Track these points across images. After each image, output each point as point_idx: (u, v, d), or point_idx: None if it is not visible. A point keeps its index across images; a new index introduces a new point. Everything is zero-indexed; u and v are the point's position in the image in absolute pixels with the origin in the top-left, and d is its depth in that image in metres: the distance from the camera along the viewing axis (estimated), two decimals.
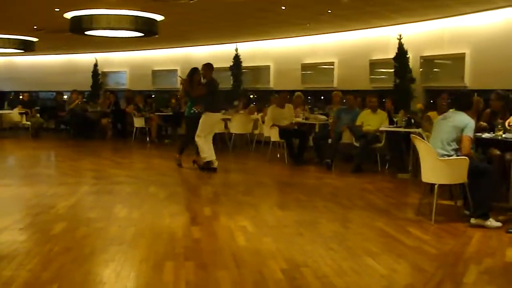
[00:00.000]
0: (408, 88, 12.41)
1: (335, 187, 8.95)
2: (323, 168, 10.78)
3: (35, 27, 14.53)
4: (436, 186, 6.39)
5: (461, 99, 6.81)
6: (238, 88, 16.66)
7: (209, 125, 10.39)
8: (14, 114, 18.27)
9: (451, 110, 6.77)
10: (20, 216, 6.74)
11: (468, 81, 11.47)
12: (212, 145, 10.50)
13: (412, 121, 9.64)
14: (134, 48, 19.24)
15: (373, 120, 10.69)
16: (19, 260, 4.77)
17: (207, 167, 10.38)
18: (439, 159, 6.31)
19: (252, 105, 15.03)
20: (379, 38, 13.63)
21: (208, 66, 10.76)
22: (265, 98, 15.81)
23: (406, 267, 4.79)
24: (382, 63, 13.43)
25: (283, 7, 11.08)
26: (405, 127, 9.71)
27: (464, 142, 6.32)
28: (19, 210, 7.20)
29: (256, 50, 16.78)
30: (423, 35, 12.61)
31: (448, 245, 5.53)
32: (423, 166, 6.59)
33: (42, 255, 4.95)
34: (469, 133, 6.35)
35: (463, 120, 6.42)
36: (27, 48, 17.22)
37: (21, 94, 20.13)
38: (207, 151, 10.34)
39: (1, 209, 7.35)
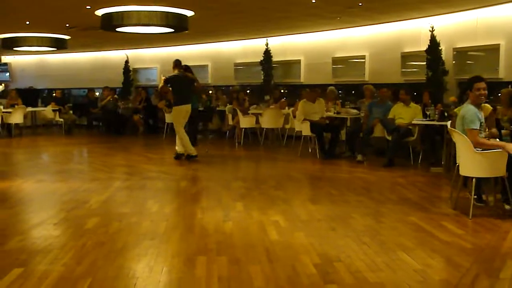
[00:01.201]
0: (441, 81, 12.25)
1: (367, 181, 8.88)
2: (355, 162, 10.72)
3: (67, 25, 14.67)
4: (473, 180, 6.28)
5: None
6: (268, 83, 16.63)
7: (178, 118, 11.07)
8: (48, 111, 18.52)
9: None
10: (54, 211, 6.82)
11: (503, 73, 11.27)
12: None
13: (445, 114, 9.51)
14: (164, 44, 19.33)
15: (405, 114, 10.57)
16: (53, 255, 4.84)
17: (177, 157, 11.18)
18: (477, 152, 6.20)
19: (283, 99, 14.98)
20: (411, 31, 13.49)
21: (174, 62, 11.43)
22: (296, 92, 15.75)
23: (440, 262, 4.72)
24: (414, 55, 13.29)
25: (314, 1, 11.01)
26: (438, 120, 9.60)
27: (467, 136, 6.26)
28: (53, 205, 7.29)
29: (287, 45, 16.73)
30: (456, 26, 12.42)
31: (484, 239, 5.44)
32: (461, 159, 6.49)
33: (76, 250, 5.01)
34: (467, 125, 6.28)
35: (462, 113, 6.41)
36: (59, 46, 17.41)
37: (54, 91, 20.37)
38: (180, 144, 11.11)
39: (36, 204, 7.48)
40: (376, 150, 11.53)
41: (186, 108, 11.07)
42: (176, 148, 11.24)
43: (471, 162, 6.32)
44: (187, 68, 11.34)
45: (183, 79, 11.10)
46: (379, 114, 10.98)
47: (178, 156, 11.19)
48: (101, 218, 6.29)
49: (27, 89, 21.91)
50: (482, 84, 6.45)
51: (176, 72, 11.17)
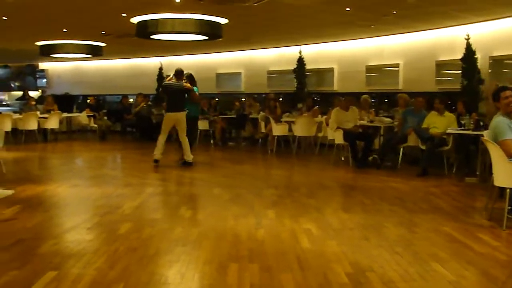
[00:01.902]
0: (476, 90, 12.10)
1: (400, 191, 8.80)
2: (388, 171, 10.64)
3: (103, 32, 14.87)
4: (507, 191, 6.19)
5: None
6: (301, 91, 16.62)
7: (166, 124, 11.38)
8: (83, 117, 18.78)
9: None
10: (88, 215, 6.90)
11: None
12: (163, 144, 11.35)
13: (481, 123, 9.39)
14: (198, 52, 19.46)
15: (440, 123, 10.47)
16: (86, 259, 4.89)
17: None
18: (511, 162, 6.11)
19: (315, 107, 14.95)
20: (446, 39, 13.37)
21: (174, 71, 11.53)
22: (329, 100, 15.70)
23: (475, 273, 4.64)
24: (449, 64, 13.17)
25: (348, 9, 10.98)
26: (473, 130, 9.48)
27: (502, 148, 6.18)
28: (87, 210, 7.37)
29: (320, 53, 16.71)
30: (492, 34, 12.27)
31: None
32: (495, 169, 6.39)
33: (109, 254, 5.05)
34: (500, 137, 6.21)
35: (492, 125, 6.37)
36: (95, 53, 17.65)
37: (88, 97, 20.64)
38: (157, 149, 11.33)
39: (70, 208, 7.57)
40: (410, 160, 11.43)
41: (174, 116, 11.26)
42: (184, 157, 11.38)
43: (505, 173, 6.22)
44: (189, 77, 11.38)
45: (175, 87, 11.22)
46: (413, 123, 10.90)
47: (185, 163, 11.35)
48: (134, 223, 6.34)
49: (63, 95, 22.26)
50: (508, 92, 6.40)
51: (172, 80, 11.30)
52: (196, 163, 11.28)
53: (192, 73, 11.59)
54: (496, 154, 6.34)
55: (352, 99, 12.22)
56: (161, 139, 11.30)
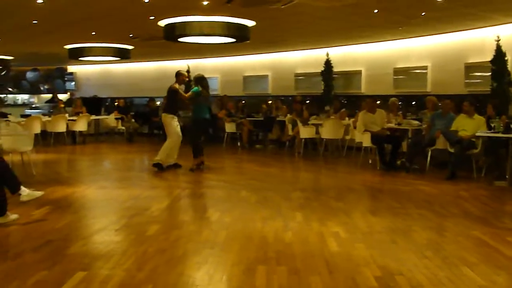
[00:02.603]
0: (506, 92, 11.96)
1: (428, 194, 8.72)
2: (416, 175, 10.57)
3: (130, 35, 14.98)
4: None
5: None
6: (329, 93, 16.57)
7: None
8: (110, 119, 18.95)
9: None
10: (116, 217, 6.95)
11: None
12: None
13: (511, 126, 9.28)
14: (225, 54, 19.50)
15: (469, 125, 10.35)
16: (115, 260, 4.92)
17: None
18: None
19: (343, 110, 14.89)
20: (475, 40, 13.24)
21: None
22: (356, 103, 15.63)
23: (507, 279, 4.57)
24: (478, 66, 13.03)
25: (376, 11, 10.93)
26: (503, 133, 9.37)
27: None
28: (115, 211, 7.42)
29: (347, 55, 16.65)
30: None
31: None
32: None
33: (137, 256, 5.08)
34: None
35: None
36: (123, 55, 17.79)
37: (116, 100, 20.81)
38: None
39: (98, 210, 7.64)
40: (438, 163, 11.32)
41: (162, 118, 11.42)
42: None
43: None
44: (196, 79, 11.28)
45: (168, 90, 11.27)
46: (442, 126, 10.80)
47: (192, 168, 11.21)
48: (162, 225, 6.37)
49: (91, 98, 22.45)
50: None
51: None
52: (223, 166, 11.24)
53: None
54: None
55: (373, 100, 12.10)
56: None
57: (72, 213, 7.17)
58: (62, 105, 18.39)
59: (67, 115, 17.29)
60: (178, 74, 11.36)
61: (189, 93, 11.14)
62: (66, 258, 5.00)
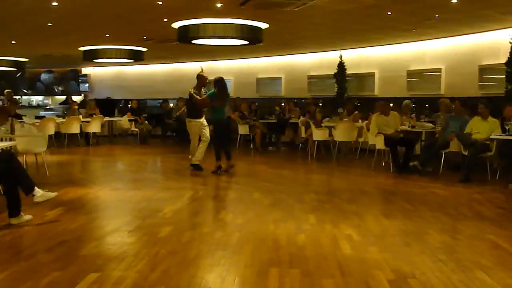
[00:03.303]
0: None
1: (442, 197, 8.68)
2: (429, 177, 10.52)
3: (144, 37, 15.03)
4: None
5: None
6: (342, 96, 16.55)
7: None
8: (124, 121, 19.00)
9: None
10: (129, 218, 6.97)
11: None
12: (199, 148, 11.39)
13: None
14: (238, 56, 19.53)
15: (483, 128, 10.29)
16: (128, 261, 4.92)
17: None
18: None
19: (356, 112, 14.85)
20: (489, 42, 13.17)
21: None
22: (369, 105, 15.59)
23: None
24: (493, 68, 12.96)
25: (389, 13, 10.90)
26: None
27: None
28: (128, 213, 7.43)
29: (361, 57, 16.62)
30: None
31: None
32: None
33: (150, 257, 5.08)
34: None
35: None
36: (136, 57, 17.87)
37: (130, 102, 20.89)
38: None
39: (111, 212, 7.65)
40: (452, 165, 11.27)
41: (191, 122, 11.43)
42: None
43: None
44: (214, 82, 11.21)
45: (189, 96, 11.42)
46: (456, 128, 10.74)
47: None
48: (174, 227, 6.37)
49: (104, 100, 22.57)
50: None
51: None
52: (236, 168, 11.21)
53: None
54: None
55: (386, 103, 12.07)
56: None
57: (85, 214, 7.18)
58: (76, 107, 18.45)
59: (81, 116, 17.35)
60: (197, 77, 11.45)
61: (204, 96, 11.12)
62: (79, 259, 5.01)
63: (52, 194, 6.77)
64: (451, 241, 5.95)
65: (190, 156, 11.50)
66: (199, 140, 11.35)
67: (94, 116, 17.62)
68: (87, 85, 24.72)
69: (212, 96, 10.96)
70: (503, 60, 12.19)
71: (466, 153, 10.34)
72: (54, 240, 5.68)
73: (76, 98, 22.80)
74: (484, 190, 9.25)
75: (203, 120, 11.38)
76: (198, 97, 11.11)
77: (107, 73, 24.38)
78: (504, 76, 12.22)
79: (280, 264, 4.92)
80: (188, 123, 11.43)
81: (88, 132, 17.37)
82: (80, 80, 24.85)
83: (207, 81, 11.44)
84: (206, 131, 11.33)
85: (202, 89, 11.33)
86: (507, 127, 9.81)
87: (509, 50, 12.04)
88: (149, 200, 8.12)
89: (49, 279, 4.41)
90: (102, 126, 18.13)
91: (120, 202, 8.17)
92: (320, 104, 17.27)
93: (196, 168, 11.27)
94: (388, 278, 4.52)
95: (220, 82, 11.08)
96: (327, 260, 5.05)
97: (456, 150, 10.72)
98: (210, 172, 10.93)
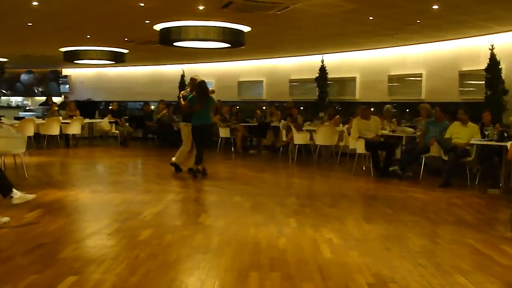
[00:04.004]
0: (501, 100, 11.99)
1: (422, 201, 8.72)
2: (410, 182, 10.57)
3: (125, 39, 14.96)
4: None
5: None
6: (323, 100, 16.59)
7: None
8: (104, 123, 18.89)
9: None
10: (109, 221, 6.90)
11: None
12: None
13: (505, 134, 9.29)
14: (220, 59, 19.51)
15: (463, 133, 10.36)
16: (107, 264, 4.88)
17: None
18: None
19: (337, 116, 14.89)
20: (470, 49, 13.27)
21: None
22: (350, 109, 15.65)
23: (500, 287, 4.56)
24: (473, 74, 13.06)
25: (371, 18, 10.94)
26: (497, 141, 9.38)
27: None
28: (108, 215, 7.37)
29: (342, 62, 16.68)
30: None
31: None
32: None
33: (129, 260, 5.04)
34: None
35: None
36: (117, 59, 17.76)
37: (111, 104, 20.78)
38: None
39: (91, 214, 7.60)
40: (432, 170, 11.33)
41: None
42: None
43: None
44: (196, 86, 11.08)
45: None
46: (436, 133, 10.81)
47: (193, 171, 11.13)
48: (155, 230, 6.33)
49: (85, 101, 22.43)
50: None
51: None
52: (217, 171, 11.20)
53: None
54: None
55: (367, 107, 12.11)
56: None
57: (65, 216, 7.11)
58: (56, 108, 18.34)
59: (61, 118, 17.23)
60: (191, 80, 11.42)
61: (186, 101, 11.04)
62: (57, 262, 4.96)
63: (30, 196, 6.71)
64: (431, 245, 5.97)
65: (173, 158, 11.44)
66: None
67: (74, 117, 17.49)
68: (67, 86, 24.56)
69: (192, 100, 10.89)
70: (483, 66, 12.30)
71: (446, 158, 10.40)
72: (32, 242, 5.62)
73: (56, 99, 22.67)
74: (464, 195, 9.31)
75: None
76: (182, 101, 11.04)
77: (88, 74, 24.24)
78: (483, 82, 12.32)
79: (260, 267, 4.91)
80: (182, 127, 11.43)
81: (68, 134, 17.24)
82: (60, 81, 24.68)
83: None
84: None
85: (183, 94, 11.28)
86: (486, 133, 9.88)
87: (489, 57, 12.16)
88: (129, 203, 8.06)
89: (27, 282, 4.36)
90: (82, 127, 18.00)
91: (100, 205, 8.12)
92: (302, 108, 17.30)
93: (175, 167, 11.31)
94: (368, 282, 4.52)
95: (199, 87, 10.98)
96: (308, 264, 5.05)
97: (436, 155, 10.78)
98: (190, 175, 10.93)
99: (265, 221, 6.92)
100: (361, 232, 6.43)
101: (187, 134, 11.23)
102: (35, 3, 10.16)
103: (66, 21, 12.21)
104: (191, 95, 10.96)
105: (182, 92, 11.28)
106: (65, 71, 24.68)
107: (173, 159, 11.41)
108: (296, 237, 6.14)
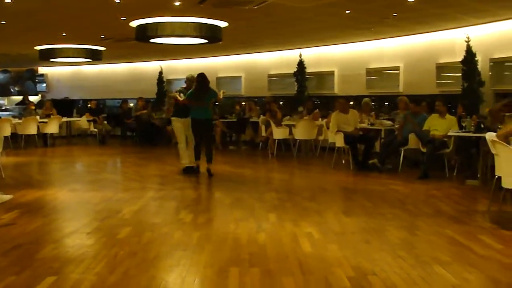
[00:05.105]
0: (477, 92, 12.08)
1: (401, 194, 8.76)
2: (389, 174, 10.63)
3: (102, 36, 14.85)
4: None
5: None
6: (302, 94, 16.59)
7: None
8: (82, 121, 18.78)
9: None
10: (88, 220, 6.86)
11: None
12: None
13: (482, 125, 9.36)
14: (198, 55, 19.44)
15: (440, 125, 10.43)
16: (86, 264, 4.85)
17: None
18: None
19: (316, 111, 14.91)
20: (446, 41, 13.35)
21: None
22: (329, 104, 15.69)
23: (479, 277, 4.59)
24: (449, 66, 13.14)
25: (348, 11, 10.96)
26: (474, 132, 9.45)
27: None
28: (87, 214, 7.31)
29: (320, 56, 16.69)
30: (492, 36, 12.25)
31: None
32: (505, 171, 6.33)
33: (109, 259, 5.01)
34: None
35: None
36: (94, 57, 17.64)
37: (88, 102, 20.63)
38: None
39: (70, 213, 7.54)
40: (411, 162, 11.40)
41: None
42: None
43: None
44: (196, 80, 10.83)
45: None
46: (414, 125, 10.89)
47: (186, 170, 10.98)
48: (134, 228, 6.30)
49: (62, 100, 22.25)
50: None
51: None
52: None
53: (204, 74, 10.91)
54: (508, 156, 6.27)
55: (345, 101, 12.13)
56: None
57: (43, 216, 7.03)
58: (33, 107, 18.17)
59: (38, 117, 17.07)
60: (188, 80, 11.28)
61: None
62: (35, 262, 4.90)
63: (7, 197, 6.65)
64: (410, 237, 6.00)
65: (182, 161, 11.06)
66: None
67: (51, 116, 17.34)
68: (44, 85, 24.35)
69: (190, 95, 10.64)
70: (459, 58, 12.39)
71: (424, 150, 10.47)
72: (9, 243, 5.54)
73: (33, 98, 22.44)
74: (442, 187, 9.38)
75: (188, 120, 10.83)
76: (179, 97, 10.76)
77: (65, 72, 24.03)
78: (460, 74, 12.41)
79: (240, 263, 4.90)
80: (173, 122, 11.14)
81: (45, 133, 17.10)
82: (37, 80, 24.47)
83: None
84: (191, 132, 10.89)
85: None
86: (464, 124, 9.95)
87: (465, 49, 12.24)
88: (108, 201, 8.01)
89: (5, 284, 4.31)
90: (60, 126, 17.86)
91: (79, 204, 8.06)
92: (281, 102, 17.30)
93: (189, 171, 10.89)
94: (348, 275, 4.53)
95: (194, 82, 10.79)
96: (288, 259, 5.05)
97: (415, 147, 10.84)
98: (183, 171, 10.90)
99: (245, 216, 6.91)
100: (340, 226, 6.45)
101: (180, 129, 11.00)
102: (7, 0, 10.03)
103: (40, 19, 12.09)
104: (191, 90, 10.72)
105: (176, 92, 11.02)
106: (42, 70, 24.46)
107: (182, 162, 11.02)
108: (275, 232, 6.14)
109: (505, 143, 6.43)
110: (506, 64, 11.96)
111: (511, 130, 6.87)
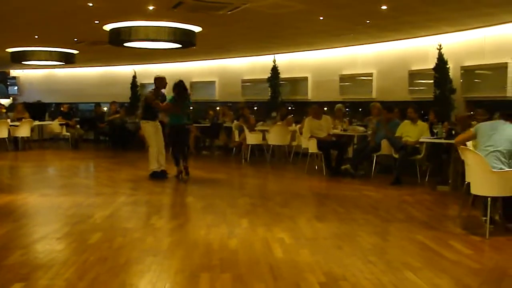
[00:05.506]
0: (449, 99, 12.21)
1: (374, 199, 8.82)
2: (362, 180, 10.68)
3: (75, 39, 14.72)
4: (489, 199, 6.19)
5: None
6: (276, 100, 16.61)
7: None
8: (55, 125, 18.57)
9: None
10: (58, 225, 6.78)
11: (511, 92, 11.20)
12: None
13: (453, 132, 9.46)
14: (172, 60, 19.35)
15: (413, 131, 10.52)
16: (56, 269, 4.79)
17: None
18: (493, 171, 6.14)
19: (289, 116, 14.94)
20: (419, 49, 13.46)
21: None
22: (303, 109, 15.72)
23: (448, 282, 4.63)
24: (422, 73, 13.25)
25: (321, 18, 11.00)
26: (445, 138, 9.54)
27: None
28: (57, 219, 7.24)
29: (294, 62, 16.73)
30: (463, 44, 12.38)
31: (492, 260, 5.40)
32: (474, 178, 6.40)
33: (79, 265, 4.96)
34: None
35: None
36: (67, 60, 17.46)
37: (61, 105, 20.42)
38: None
39: (40, 218, 7.45)
40: (383, 168, 11.47)
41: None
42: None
43: (486, 182, 6.24)
44: (174, 86, 10.76)
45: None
46: (387, 132, 10.96)
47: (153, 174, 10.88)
48: (105, 233, 6.25)
49: (34, 103, 21.97)
50: None
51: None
52: (169, 172, 11.04)
53: (179, 82, 10.79)
54: (476, 163, 6.35)
55: (319, 107, 12.19)
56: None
57: (12, 221, 6.94)
58: (4, 110, 17.93)
59: (9, 120, 16.86)
60: (156, 80, 11.17)
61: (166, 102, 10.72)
62: (3, 269, 4.83)
63: None
64: (381, 242, 6.04)
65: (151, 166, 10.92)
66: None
67: (23, 120, 17.13)
68: (16, 87, 24.06)
69: (172, 101, 10.59)
70: (431, 65, 12.50)
71: (396, 156, 10.55)
72: None
73: (4, 102, 22.15)
74: (414, 192, 9.47)
75: (157, 123, 10.89)
76: (159, 103, 10.65)
77: (37, 75, 23.77)
78: (432, 81, 12.52)
79: (211, 269, 4.89)
80: (143, 125, 10.97)
81: (17, 137, 16.89)
82: (8, 83, 24.17)
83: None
84: (160, 135, 10.89)
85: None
86: (435, 131, 10.04)
87: (437, 56, 12.36)
88: (79, 206, 7.93)
89: None
90: (32, 130, 17.63)
91: (49, 209, 7.97)
92: (254, 108, 17.31)
93: (157, 175, 10.79)
94: (319, 281, 4.54)
95: (177, 88, 10.70)
96: (259, 264, 5.04)
97: (387, 153, 10.92)
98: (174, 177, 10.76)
99: (217, 222, 6.89)
100: (313, 231, 6.46)
101: (150, 132, 10.86)
102: None
103: (12, 21, 11.94)
104: (171, 96, 10.65)
105: (148, 92, 10.97)
106: (13, 72, 24.16)
107: (151, 167, 10.87)
108: (247, 237, 6.13)
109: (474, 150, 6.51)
110: (476, 72, 12.10)
111: (468, 136, 7.00)
